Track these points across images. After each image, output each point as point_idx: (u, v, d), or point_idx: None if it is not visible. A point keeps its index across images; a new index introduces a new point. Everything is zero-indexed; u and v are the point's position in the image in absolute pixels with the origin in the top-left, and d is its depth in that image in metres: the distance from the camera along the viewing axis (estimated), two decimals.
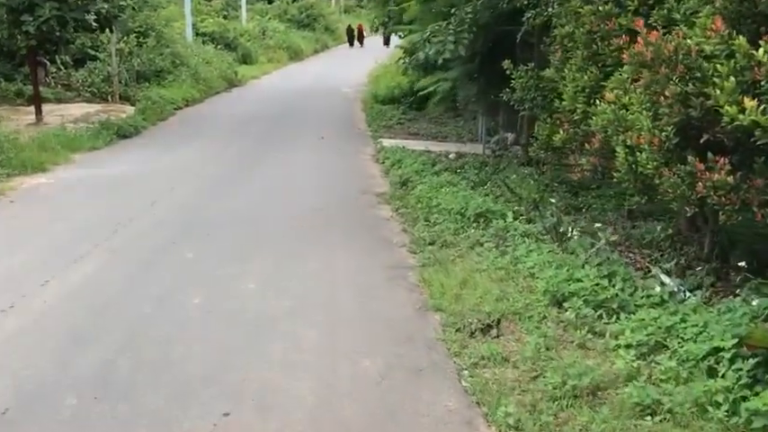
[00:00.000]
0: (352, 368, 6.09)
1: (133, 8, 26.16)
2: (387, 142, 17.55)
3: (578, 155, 9.87)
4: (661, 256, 9.03)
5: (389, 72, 31.25)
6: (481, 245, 9.26)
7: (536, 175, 13.63)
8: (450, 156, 16.15)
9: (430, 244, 9.57)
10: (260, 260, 9.05)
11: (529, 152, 15.22)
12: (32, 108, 19.70)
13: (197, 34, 34.35)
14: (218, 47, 33.32)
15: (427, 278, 8.15)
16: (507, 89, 11.86)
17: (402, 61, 25.14)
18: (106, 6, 18.77)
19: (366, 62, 36.43)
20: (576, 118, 9.32)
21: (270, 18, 46.09)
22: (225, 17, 39.83)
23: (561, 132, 9.29)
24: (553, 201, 9.92)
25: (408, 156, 15.57)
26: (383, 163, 15.43)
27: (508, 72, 11.79)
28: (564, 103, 9.41)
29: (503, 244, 9.17)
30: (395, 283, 8.22)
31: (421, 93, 20.64)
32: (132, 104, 22.48)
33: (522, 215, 10.21)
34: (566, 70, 9.44)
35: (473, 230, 9.83)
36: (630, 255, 9.09)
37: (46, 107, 21.34)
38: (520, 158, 15.21)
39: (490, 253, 8.86)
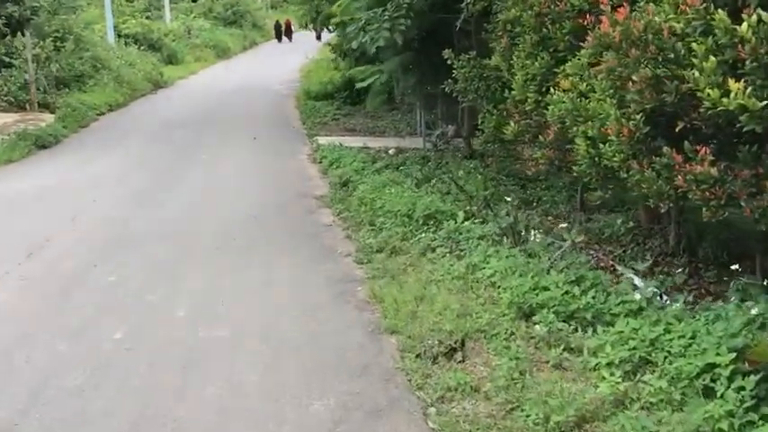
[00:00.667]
0: (301, 414, 5.17)
1: (49, 11, 24.67)
2: (323, 140, 16.63)
3: (531, 147, 9.14)
4: (624, 251, 8.34)
5: (321, 67, 30.29)
6: (433, 250, 8.44)
7: (481, 169, 12.92)
8: (390, 151, 15.33)
9: (377, 251, 8.72)
10: (190, 280, 8.07)
11: (472, 145, 14.55)
12: None
13: (119, 36, 32.77)
14: (142, 48, 31.84)
15: (378, 293, 7.27)
16: (449, 80, 11.02)
17: (333, 56, 24.43)
18: (17, 9, 17.39)
19: (296, 58, 35.36)
20: (527, 108, 8.57)
21: (195, 17, 44.58)
22: (148, 17, 38.22)
23: (512, 124, 8.51)
24: (508, 199, 9.15)
25: (347, 153, 14.69)
26: (321, 162, 14.51)
27: (449, 62, 10.96)
28: (513, 92, 8.64)
29: (456, 248, 8.37)
30: (343, 300, 7.33)
31: (357, 87, 19.77)
32: (52, 112, 21.01)
33: (473, 215, 9.42)
34: (514, 58, 8.66)
35: (423, 234, 8.99)
36: (592, 252, 8.38)
37: None
38: (462, 152, 14.47)
39: (444, 260, 8.06)
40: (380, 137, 17.53)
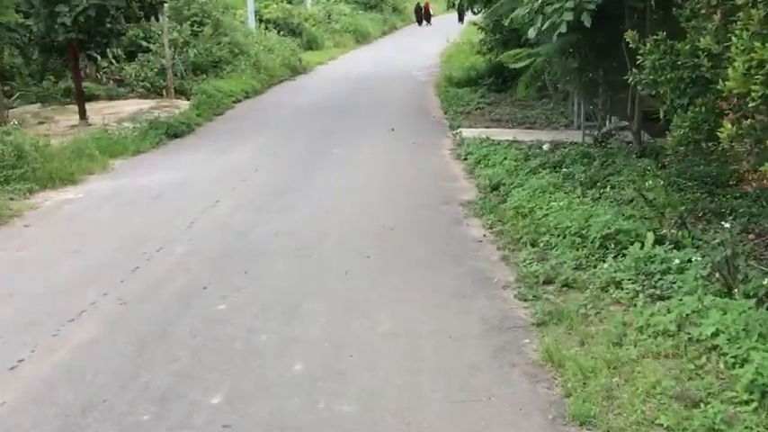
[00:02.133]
0: None
1: None
2: (467, 132, 14.70)
3: (753, 156, 6.92)
4: None
5: (462, 51, 28.24)
6: (619, 286, 6.42)
7: (656, 170, 10.66)
8: (545, 146, 13.21)
9: (545, 283, 6.77)
10: (309, 317, 6.39)
11: (642, 139, 12.26)
12: (87, 106, 17.53)
13: (260, 21, 31.91)
14: (282, 33, 30.78)
15: (554, 353, 5.31)
16: (634, 70, 8.76)
17: (480, 38, 22.31)
18: None
19: (437, 42, 33.37)
20: (750, 104, 6.33)
21: (335, 1, 43.37)
22: (289, 2, 37.26)
23: (729, 126, 6.27)
24: (726, 225, 6.92)
25: (495, 149, 12.72)
26: (465, 159, 12.60)
27: (632, 45, 8.75)
28: (728, 84, 6.40)
29: (650, 285, 6.32)
30: (505, 361, 5.41)
31: (508, 71, 17.70)
32: (188, 99, 20.16)
33: (664, 236, 7.29)
34: (733, 39, 6.41)
35: (603, 262, 6.96)
36: None
37: (96, 105, 19.24)
38: (631, 148, 12.19)
39: (637, 302, 6.01)
40: (531, 129, 15.42)
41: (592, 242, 7.38)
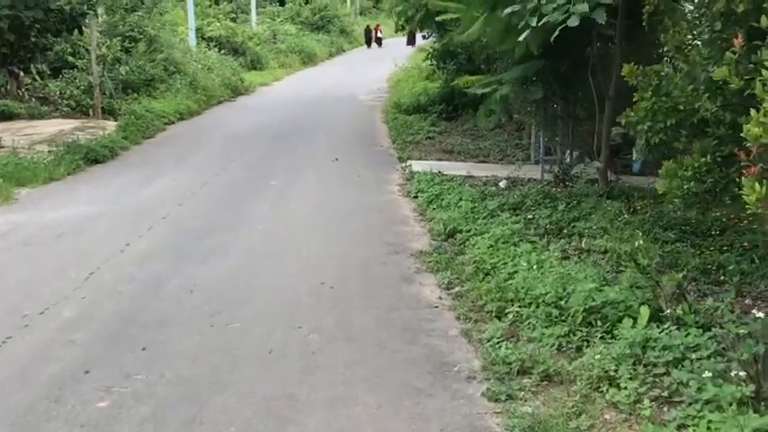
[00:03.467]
0: None
1: (124, 9, 22.06)
2: (417, 165, 13.26)
3: None
4: None
5: (411, 77, 26.95)
6: (615, 382, 4.96)
7: (626, 215, 9.37)
8: (501, 183, 11.86)
9: (520, 374, 5.27)
10: (216, 426, 4.75)
11: (609, 178, 10.97)
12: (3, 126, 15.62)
13: (202, 39, 30.14)
14: (224, 52, 29.04)
15: None
16: (629, 111, 7.28)
17: (428, 63, 20.96)
18: (70, 2, 14.59)
19: (384, 66, 32.02)
20: None
21: (281, 21, 41.77)
22: (234, 20, 35.55)
23: (758, 187, 4.83)
24: (759, 315, 5.47)
25: (449, 186, 11.33)
26: (416, 197, 11.13)
27: (631, 82, 7.31)
28: (752, 130, 5.00)
29: (654, 382, 4.90)
30: None
31: (462, 97, 16.39)
32: (117, 119, 18.31)
33: (660, 311, 5.88)
34: (764, 72, 5.00)
35: (589, 345, 5.52)
36: None
37: (15, 125, 17.30)
38: (598, 188, 10.89)
39: (642, 409, 4.58)
40: (485, 162, 14.09)
41: (573, 317, 5.93)
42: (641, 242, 6.62)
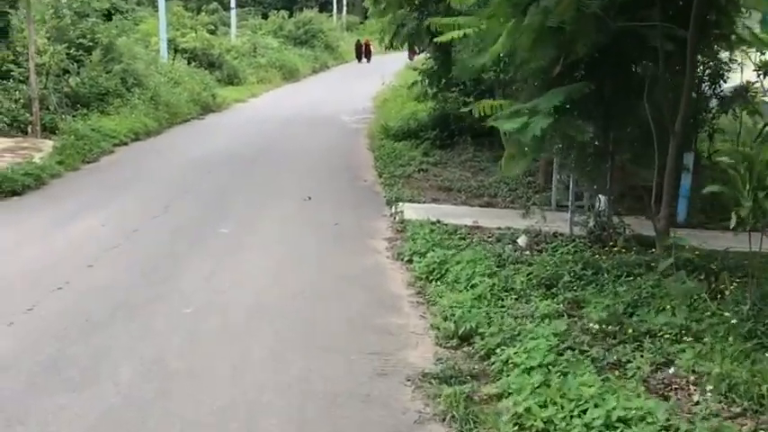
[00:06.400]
0: None
1: (76, 13, 18.82)
2: (410, 210, 10.16)
3: None
4: None
5: (399, 96, 23.79)
6: None
7: (708, 299, 6.35)
8: (520, 241, 8.78)
9: None
10: None
11: (667, 238, 7.89)
12: None
13: (175, 51, 26.89)
14: (194, 65, 25.80)
15: None
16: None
17: (419, 81, 17.82)
18: None
19: (370, 84, 28.88)
20: None
21: (263, 34, 38.53)
22: (212, 32, 32.32)
23: None
24: None
25: (452, 244, 8.28)
26: (410, 262, 7.98)
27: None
28: None
29: None
30: None
31: (457, 122, 13.45)
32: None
33: None
34: None
35: None
36: None
37: None
38: (657, 255, 7.81)
39: None
40: (493, 206, 10.99)
41: None
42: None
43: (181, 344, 5.76)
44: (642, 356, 5.46)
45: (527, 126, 6.67)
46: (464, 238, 8.76)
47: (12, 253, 8.24)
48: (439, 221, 9.39)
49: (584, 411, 4.36)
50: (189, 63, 25.41)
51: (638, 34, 7.77)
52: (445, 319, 6.13)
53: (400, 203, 10.51)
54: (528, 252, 8.43)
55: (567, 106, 8.00)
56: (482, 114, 7.63)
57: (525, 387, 4.68)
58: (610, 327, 6.05)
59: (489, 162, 13.77)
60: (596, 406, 4.42)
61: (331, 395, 4.89)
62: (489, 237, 9.01)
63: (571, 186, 9.64)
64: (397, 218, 9.88)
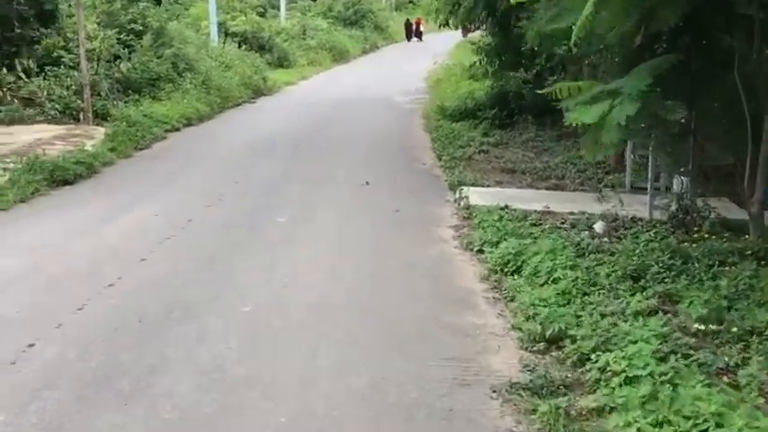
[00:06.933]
0: None
1: None
2: (475, 194, 9.54)
3: None
4: None
5: (453, 75, 23.09)
6: None
7: None
8: (597, 227, 8.12)
9: None
10: None
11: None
12: None
13: (226, 34, 26.56)
14: (244, 48, 25.43)
15: None
16: None
17: (475, 60, 17.07)
18: None
19: (422, 63, 28.17)
20: None
21: (312, 15, 38.01)
22: (261, 14, 31.91)
23: None
24: None
25: (525, 232, 7.62)
26: (481, 253, 7.37)
27: None
28: None
29: None
30: None
31: (518, 100, 12.75)
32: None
33: None
34: None
35: None
36: None
37: None
38: (750, 242, 7.09)
39: None
40: (561, 189, 10.30)
41: None
42: None
43: (240, 347, 5.27)
44: (752, 360, 4.80)
45: (609, 112, 5.91)
46: (536, 225, 8.13)
47: (61, 247, 7.87)
48: (507, 207, 8.75)
49: None
50: (239, 46, 25.06)
51: (727, 1, 7.04)
52: (528, 318, 5.52)
53: (464, 188, 9.88)
54: (606, 239, 7.77)
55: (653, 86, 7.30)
56: (556, 97, 6.92)
57: (632, 401, 4.06)
58: (712, 325, 5.40)
59: (552, 141, 13.09)
60: (718, 426, 3.79)
61: (408, 409, 4.34)
62: (562, 223, 8.36)
63: (650, 167, 8.89)
64: (462, 203, 9.25)
